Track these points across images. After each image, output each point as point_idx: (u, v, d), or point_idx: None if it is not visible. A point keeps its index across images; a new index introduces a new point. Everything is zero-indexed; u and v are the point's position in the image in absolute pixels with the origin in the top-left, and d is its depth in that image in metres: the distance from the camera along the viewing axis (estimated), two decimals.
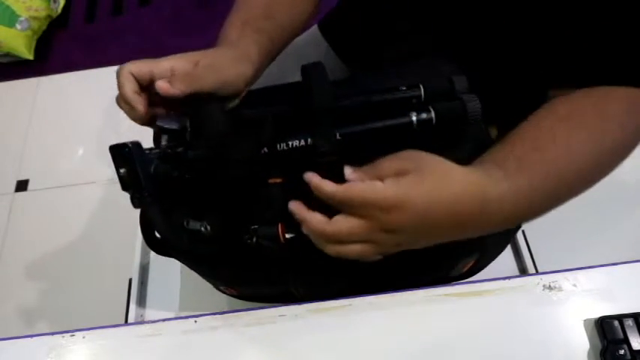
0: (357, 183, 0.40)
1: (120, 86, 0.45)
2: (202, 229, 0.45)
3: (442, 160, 0.41)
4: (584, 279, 0.50)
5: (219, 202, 0.46)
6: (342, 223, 0.40)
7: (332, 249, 0.41)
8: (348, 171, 0.41)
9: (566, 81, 0.49)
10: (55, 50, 1.70)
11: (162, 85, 0.44)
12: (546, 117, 0.47)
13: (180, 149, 0.44)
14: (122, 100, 0.46)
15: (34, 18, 1.62)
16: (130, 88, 0.45)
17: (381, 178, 0.40)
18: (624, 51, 0.47)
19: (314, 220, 0.41)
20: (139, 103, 0.45)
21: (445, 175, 0.40)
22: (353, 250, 0.41)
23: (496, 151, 0.45)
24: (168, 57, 0.47)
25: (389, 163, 0.41)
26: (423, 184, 0.39)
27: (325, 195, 0.40)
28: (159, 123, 0.45)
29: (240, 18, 0.53)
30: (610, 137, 0.46)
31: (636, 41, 0.46)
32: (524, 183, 0.42)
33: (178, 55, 0.48)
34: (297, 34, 0.59)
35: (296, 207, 0.42)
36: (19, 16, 1.59)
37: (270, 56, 0.54)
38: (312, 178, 0.41)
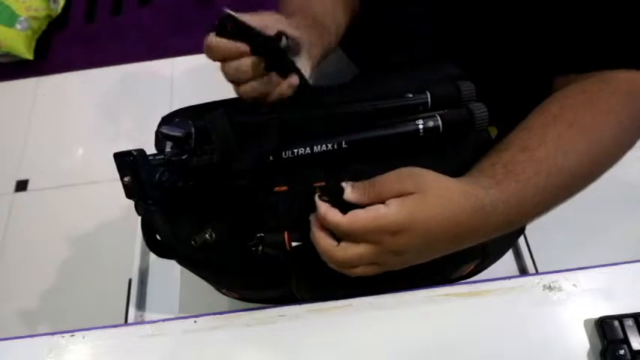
0: (361, 212, 0.40)
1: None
2: (207, 236, 0.45)
3: (439, 177, 0.42)
4: (584, 279, 0.50)
5: (224, 210, 0.46)
6: (351, 251, 0.40)
7: (337, 268, 0.42)
8: (347, 190, 0.41)
9: (568, 67, 0.49)
10: (55, 50, 1.70)
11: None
12: (537, 118, 0.47)
13: (184, 156, 0.44)
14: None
15: (34, 18, 1.62)
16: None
17: (383, 199, 0.40)
18: (624, 34, 0.47)
19: (322, 242, 0.41)
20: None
21: (445, 193, 0.41)
22: (358, 271, 0.42)
23: (484, 160, 0.45)
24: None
25: (390, 184, 0.41)
26: (426, 204, 0.40)
27: (330, 225, 0.40)
28: (162, 130, 0.45)
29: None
30: (606, 133, 0.46)
31: (637, 24, 0.46)
32: (514, 186, 0.42)
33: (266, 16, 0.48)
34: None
35: (314, 220, 0.42)
36: (18, 15, 1.59)
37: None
38: (320, 206, 0.41)
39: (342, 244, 0.41)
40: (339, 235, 0.41)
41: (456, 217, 0.40)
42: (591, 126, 0.45)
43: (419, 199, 0.40)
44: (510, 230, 0.46)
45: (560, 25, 0.49)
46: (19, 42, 1.59)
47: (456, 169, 0.45)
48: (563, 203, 0.46)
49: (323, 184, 0.45)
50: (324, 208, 0.41)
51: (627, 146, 0.48)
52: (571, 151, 0.44)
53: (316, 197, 0.41)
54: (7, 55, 1.62)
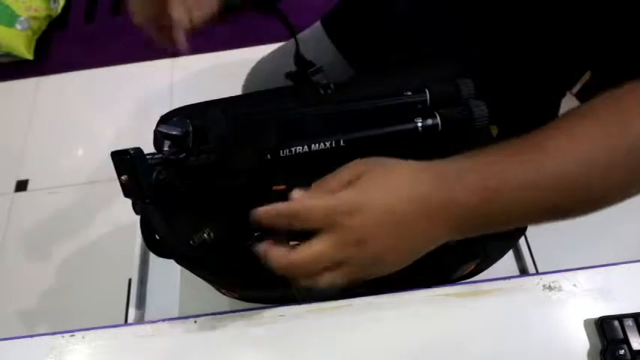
0: (313, 194, 0.37)
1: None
2: (205, 235, 0.45)
3: (391, 158, 0.39)
4: (584, 279, 0.50)
5: (222, 209, 0.46)
6: (305, 249, 0.36)
7: (304, 282, 0.38)
8: (296, 194, 0.38)
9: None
10: (55, 50, 1.70)
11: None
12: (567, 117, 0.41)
13: (182, 155, 0.44)
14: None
15: (34, 18, 1.62)
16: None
17: (334, 191, 0.37)
18: None
19: (274, 254, 0.38)
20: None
21: (403, 167, 0.38)
22: (325, 280, 0.38)
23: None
24: None
25: (339, 175, 0.38)
26: (377, 179, 0.37)
27: (270, 217, 0.37)
28: (160, 128, 0.45)
29: None
30: (629, 140, 0.38)
31: None
32: (490, 159, 0.38)
33: None
34: None
35: (258, 246, 0.39)
36: (18, 16, 1.59)
37: None
38: (258, 211, 0.38)
39: (297, 246, 0.37)
40: (288, 224, 0.37)
41: (417, 188, 0.36)
42: (612, 132, 0.38)
43: (370, 176, 0.37)
44: (495, 224, 0.40)
45: (578, 33, 0.46)
46: (19, 42, 1.59)
47: None
48: (560, 216, 0.40)
49: None
50: (273, 206, 0.38)
51: None
52: (580, 151, 0.38)
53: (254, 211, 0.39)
54: (7, 55, 1.62)
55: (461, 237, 0.40)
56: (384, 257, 0.38)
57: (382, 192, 0.36)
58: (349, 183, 0.37)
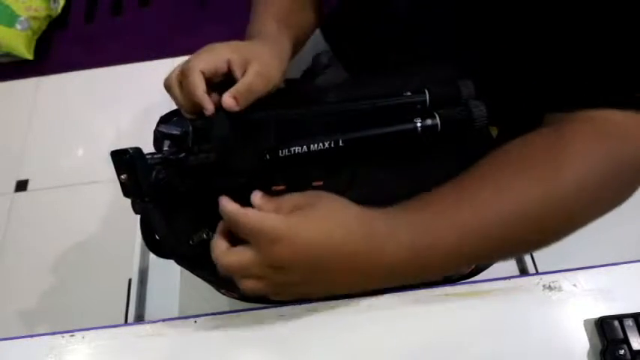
0: (255, 210, 0.39)
1: (192, 86, 0.46)
2: (205, 235, 0.45)
3: (339, 199, 0.41)
4: (584, 279, 0.50)
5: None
6: (236, 254, 0.40)
7: (237, 282, 0.41)
8: (257, 195, 0.41)
9: (555, 104, 0.46)
10: (55, 50, 1.70)
11: (230, 103, 0.45)
12: (484, 165, 0.44)
13: (182, 155, 0.44)
14: (188, 97, 0.46)
15: (34, 18, 1.62)
16: (203, 88, 0.46)
17: (279, 211, 0.40)
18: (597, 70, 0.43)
19: (216, 246, 0.41)
20: (209, 103, 0.46)
21: (336, 213, 0.39)
22: (245, 284, 0.40)
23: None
24: (219, 47, 0.48)
25: (291, 197, 0.41)
26: (310, 221, 0.39)
27: (223, 214, 0.40)
28: (160, 128, 0.45)
29: (273, 14, 0.55)
30: (565, 183, 0.40)
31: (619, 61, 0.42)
32: (426, 216, 0.40)
33: (227, 46, 0.49)
34: (307, 38, 0.62)
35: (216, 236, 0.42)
36: (18, 16, 1.59)
37: (294, 53, 0.56)
38: (223, 199, 0.40)
39: (233, 248, 0.40)
40: (232, 228, 0.40)
41: (343, 238, 0.38)
42: (547, 175, 0.40)
43: (306, 214, 0.39)
44: (431, 274, 0.43)
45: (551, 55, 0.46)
46: (19, 42, 1.59)
47: (456, 169, 0.45)
48: (500, 259, 0.44)
49: (321, 183, 0.45)
50: (226, 199, 0.40)
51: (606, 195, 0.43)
52: (514, 197, 0.40)
53: (222, 198, 0.41)
54: (7, 55, 1.62)
55: (394, 284, 0.44)
56: (296, 288, 0.41)
57: (310, 233, 0.38)
58: (293, 209, 0.40)
